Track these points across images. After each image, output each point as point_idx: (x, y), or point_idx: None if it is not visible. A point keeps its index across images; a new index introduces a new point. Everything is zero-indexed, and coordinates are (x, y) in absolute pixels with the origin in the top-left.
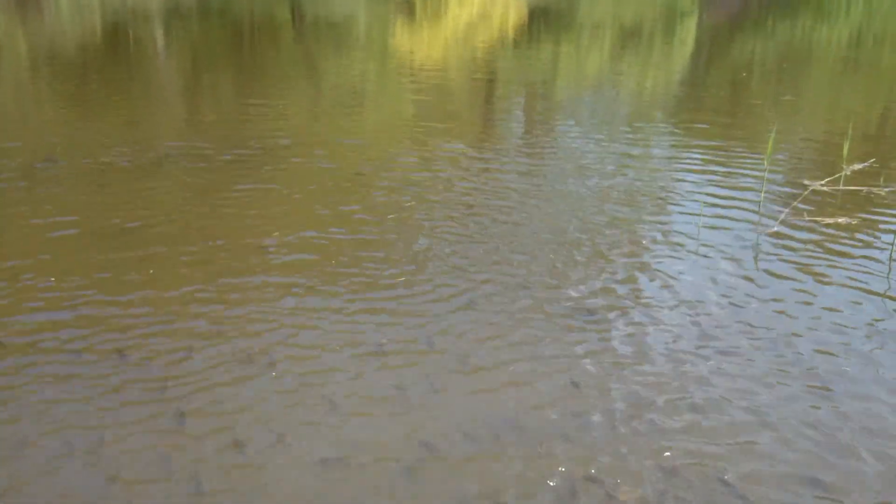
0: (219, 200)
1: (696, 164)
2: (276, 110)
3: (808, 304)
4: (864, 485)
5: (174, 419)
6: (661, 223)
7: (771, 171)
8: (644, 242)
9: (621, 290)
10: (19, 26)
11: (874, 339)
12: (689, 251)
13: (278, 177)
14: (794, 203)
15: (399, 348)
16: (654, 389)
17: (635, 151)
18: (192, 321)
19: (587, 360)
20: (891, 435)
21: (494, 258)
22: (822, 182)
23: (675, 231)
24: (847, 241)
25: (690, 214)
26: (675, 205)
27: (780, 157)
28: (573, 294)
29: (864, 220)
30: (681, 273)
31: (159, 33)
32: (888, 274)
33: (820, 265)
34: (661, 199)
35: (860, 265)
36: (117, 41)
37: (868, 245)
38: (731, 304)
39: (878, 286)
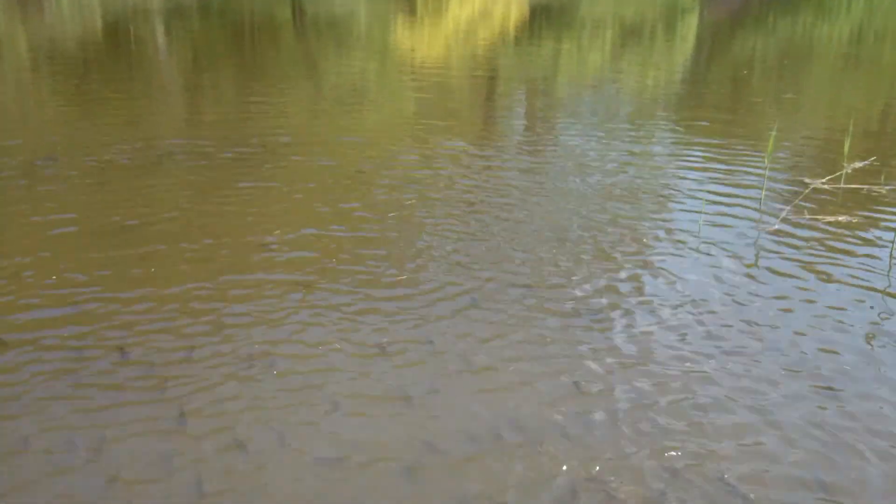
0: (219, 198)
1: (697, 162)
2: (276, 108)
3: (811, 301)
4: (869, 485)
5: (174, 417)
6: (662, 221)
7: (772, 169)
8: (646, 240)
9: (623, 287)
10: (20, 24)
11: (877, 338)
12: (691, 249)
13: (279, 175)
14: (796, 201)
15: (400, 347)
16: (657, 388)
17: (636, 149)
18: (192, 319)
19: (589, 359)
20: (894, 434)
21: (496, 256)
22: (823, 180)
23: (677, 229)
24: (848, 240)
25: (692, 212)
26: (676, 202)
27: (780, 154)
28: (575, 292)
29: (865, 218)
30: (683, 271)
31: (160, 31)
32: (888, 272)
33: (821, 263)
34: (662, 196)
35: (861, 263)
36: (118, 39)
37: (869, 243)
38: (734, 301)
39: (880, 284)
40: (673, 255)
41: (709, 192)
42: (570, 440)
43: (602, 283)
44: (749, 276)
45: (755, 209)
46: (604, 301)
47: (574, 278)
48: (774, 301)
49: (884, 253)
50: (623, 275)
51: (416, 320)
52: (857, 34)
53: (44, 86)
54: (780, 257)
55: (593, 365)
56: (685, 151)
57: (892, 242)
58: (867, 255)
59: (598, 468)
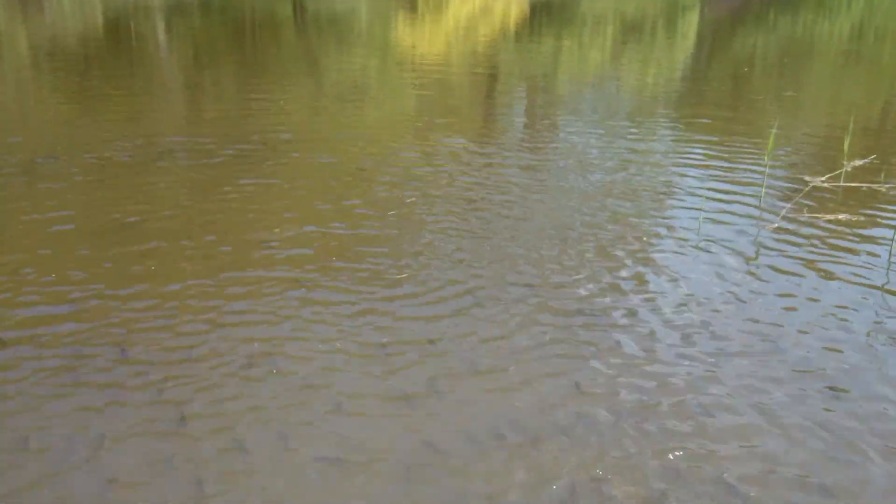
0: (220, 195)
1: (697, 159)
2: (277, 105)
3: (812, 300)
4: (873, 485)
5: (174, 417)
6: (663, 218)
7: (772, 167)
8: (646, 238)
9: (625, 286)
10: (20, 22)
11: (878, 336)
12: (691, 247)
13: (280, 172)
14: (796, 199)
15: (401, 346)
16: (660, 388)
17: (637, 146)
18: (192, 316)
19: (591, 359)
20: None
21: (497, 254)
22: (823, 178)
23: (678, 227)
24: (848, 237)
25: (692, 210)
26: (676, 200)
27: (780, 152)
28: (576, 291)
29: (865, 216)
30: (684, 269)
31: (160, 28)
32: (888, 270)
33: (822, 261)
34: (662, 194)
35: (861, 261)
36: (118, 37)
37: (869, 241)
38: (736, 300)
39: (880, 282)
40: (674, 252)
41: (709, 189)
42: (571, 440)
43: (603, 281)
44: (750, 273)
45: (755, 207)
46: (605, 299)
47: (575, 276)
48: (776, 299)
49: (884, 251)
50: (624, 273)
51: (416, 319)
52: (858, 32)
53: (44, 83)
54: (780, 255)
55: (595, 364)
56: (685, 149)
57: (892, 240)
58: (867, 253)
59: (599, 469)
